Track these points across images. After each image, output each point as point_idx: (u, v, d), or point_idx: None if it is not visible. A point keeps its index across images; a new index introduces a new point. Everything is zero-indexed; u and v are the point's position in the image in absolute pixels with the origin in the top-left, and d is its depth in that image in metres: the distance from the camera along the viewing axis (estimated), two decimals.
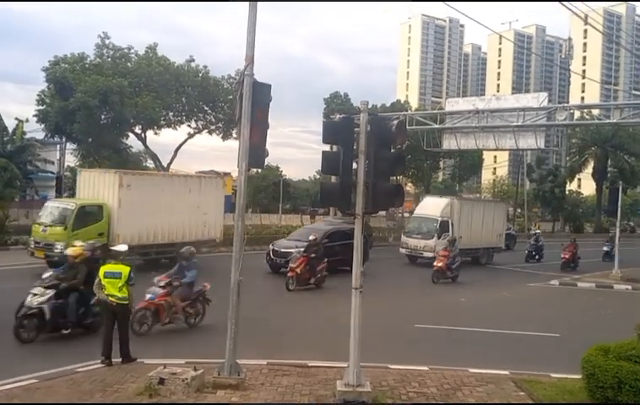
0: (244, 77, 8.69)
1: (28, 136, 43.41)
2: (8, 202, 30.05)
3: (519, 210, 68.42)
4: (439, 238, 27.56)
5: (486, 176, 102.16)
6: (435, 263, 23.16)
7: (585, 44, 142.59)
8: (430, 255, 27.00)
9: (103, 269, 9.89)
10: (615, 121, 33.11)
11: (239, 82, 8.98)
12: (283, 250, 22.49)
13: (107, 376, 9.04)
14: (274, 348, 11.08)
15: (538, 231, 34.59)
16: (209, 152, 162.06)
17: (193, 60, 35.49)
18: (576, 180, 71.59)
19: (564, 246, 30.42)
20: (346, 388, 8.05)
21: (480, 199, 55.20)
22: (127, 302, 9.77)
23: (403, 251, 29.27)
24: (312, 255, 19.43)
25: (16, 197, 33.56)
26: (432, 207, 29.93)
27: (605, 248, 34.15)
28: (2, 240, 27.86)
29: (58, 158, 51.75)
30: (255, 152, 8.79)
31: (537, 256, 32.22)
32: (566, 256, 29.41)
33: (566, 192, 65.73)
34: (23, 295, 11.30)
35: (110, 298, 9.68)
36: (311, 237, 20.70)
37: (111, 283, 9.72)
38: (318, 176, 74.94)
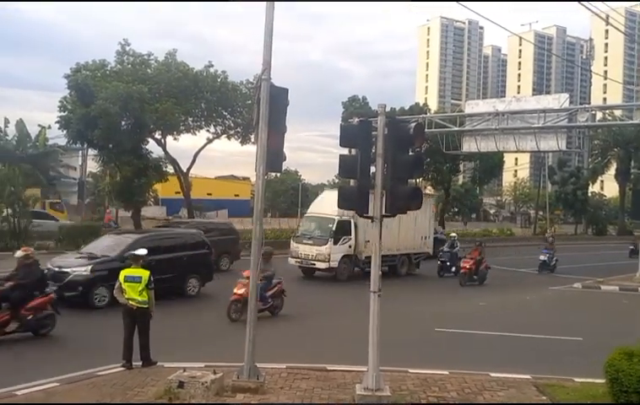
0: (261, 81, 8.71)
1: (51, 142, 44.15)
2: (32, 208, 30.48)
3: (541, 213, 67.68)
4: (336, 243, 22.54)
5: (507, 179, 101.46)
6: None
7: (607, 44, 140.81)
8: (324, 265, 22.47)
9: (123, 273, 9.98)
10: (637, 121, 32.59)
11: (256, 86, 9.01)
12: (59, 268, 15.82)
13: (127, 380, 9.11)
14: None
15: (453, 235, 27.52)
16: (228, 157, 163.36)
17: (212, 65, 35.66)
18: (598, 181, 70.63)
19: (467, 254, 24.60)
20: (365, 392, 8.01)
21: None
22: (147, 306, 9.84)
23: (292, 261, 23.37)
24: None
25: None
26: (329, 202, 22.18)
27: (542, 257, 28.13)
28: (26, 245, 28.27)
29: (80, 164, 52.57)
30: (273, 156, 8.81)
31: (453, 268, 24.81)
32: (467, 267, 23.18)
33: (589, 194, 64.94)
34: None
35: (130, 302, 9.76)
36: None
37: (132, 286, 9.80)
38: (337, 180, 74.92)
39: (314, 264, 22.65)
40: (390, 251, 23.65)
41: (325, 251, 22.30)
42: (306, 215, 26.08)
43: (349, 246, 22.68)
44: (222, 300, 17.13)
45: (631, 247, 32.69)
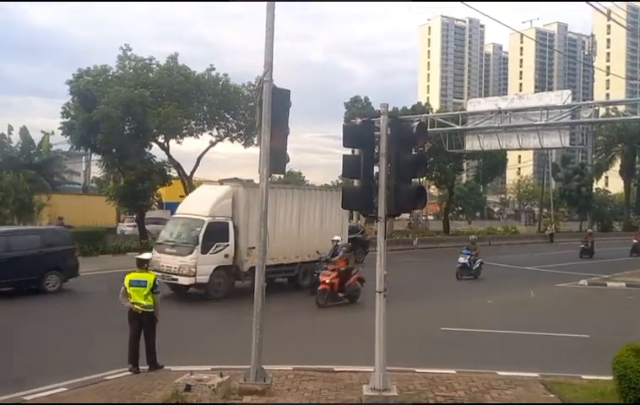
0: (263, 83, 8.72)
1: (54, 148, 44.34)
2: (36, 215, 30.58)
3: (545, 210, 67.53)
4: (206, 251, 17.30)
5: (511, 177, 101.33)
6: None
7: (609, 40, 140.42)
8: (188, 281, 17.17)
9: (128, 277, 9.98)
10: None
11: (258, 88, 9.01)
12: None
13: (134, 384, 9.11)
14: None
15: (336, 238, 19.21)
16: (232, 159, 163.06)
17: (214, 68, 35.73)
18: (603, 178, 70.51)
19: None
20: (372, 393, 8.00)
21: (296, 185, 34.19)
22: (152, 310, 9.84)
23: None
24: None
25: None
26: (202, 200, 18.92)
27: (462, 259, 24.21)
28: None
29: (84, 169, 52.76)
30: (276, 157, 8.81)
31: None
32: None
33: (594, 191, 64.76)
34: None
35: (135, 306, 9.76)
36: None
37: (137, 291, 9.81)
38: (341, 181, 74.88)
39: (176, 279, 17.24)
40: (287, 258, 19.19)
41: (189, 261, 17.01)
42: (173, 216, 20.78)
43: (226, 255, 17.78)
44: (225, 304, 17.20)
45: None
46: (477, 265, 24.12)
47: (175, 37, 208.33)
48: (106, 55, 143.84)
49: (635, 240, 36.50)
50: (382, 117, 8.39)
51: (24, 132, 43.99)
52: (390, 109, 8.68)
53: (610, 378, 8.10)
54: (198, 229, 17.47)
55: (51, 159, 44.07)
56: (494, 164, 51.81)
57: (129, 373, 9.64)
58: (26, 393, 8.62)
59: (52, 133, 41.83)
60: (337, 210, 20.53)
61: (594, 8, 21.72)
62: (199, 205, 18.47)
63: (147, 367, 9.84)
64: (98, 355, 10.84)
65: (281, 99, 8.87)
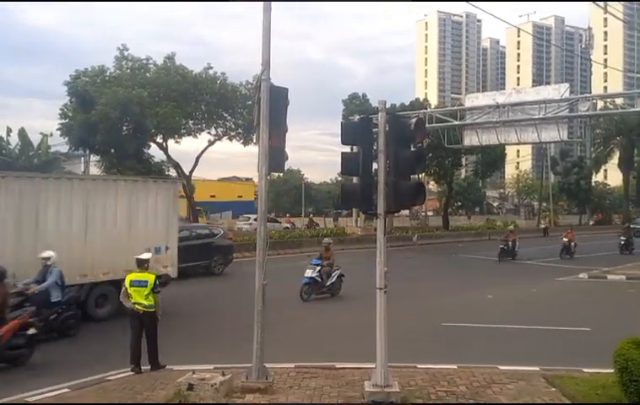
0: (261, 81, 8.72)
1: (53, 149, 44.22)
2: None
3: (545, 204, 67.56)
4: None
5: (510, 171, 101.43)
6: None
7: (606, 32, 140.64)
8: None
9: (129, 278, 9.99)
10: (639, 109, 32.45)
11: (256, 87, 9.01)
12: None
13: (137, 384, 9.13)
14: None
15: (47, 255, 12.26)
16: (230, 158, 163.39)
17: (211, 67, 35.74)
18: (602, 171, 70.56)
19: None
20: (374, 389, 8.01)
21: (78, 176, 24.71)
22: (153, 310, 9.85)
23: None
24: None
25: None
26: None
27: (310, 274, 17.60)
28: None
29: (83, 170, 52.65)
30: (275, 156, 8.82)
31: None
32: None
33: (593, 184, 64.82)
34: None
35: (136, 306, 9.77)
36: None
37: (138, 291, 9.82)
38: (340, 178, 74.95)
39: None
40: (73, 279, 13.37)
41: None
42: None
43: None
44: (228, 302, 17.24)
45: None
46: (333, 279, 17.95)
47: (172, 37, 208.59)
48: (104, 55, 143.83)
49: (565, 239, 31.61)
50: (380, 114, 8.40)
51: (22, 133, 43.85)
52: (388, 105, 8.71)
53: (611, 371, 8.11)
54: None
55: (50, 161, 43.86)
56: (492, 158, 51.86)
57: (131, 373, 9.65)
58: (28, 394, 8.63)
59: (51, 135, 41.69)
60: (161, 209, 15.67)
61: (591, 0, 21.66)
62: None
63: (149, 367, 9.85)
64: None
65: (279, 98, 8.87)
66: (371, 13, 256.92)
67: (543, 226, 53.37)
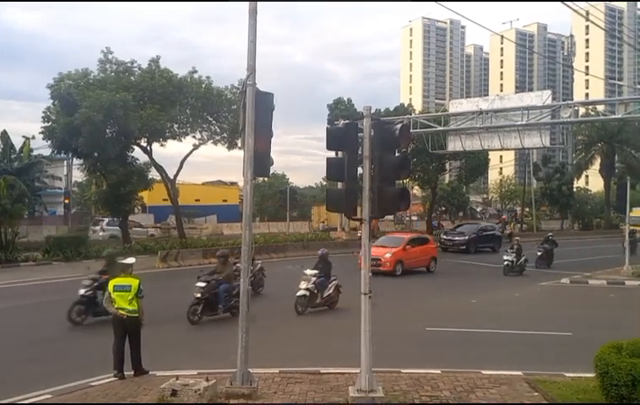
0: (247, 86, 8.72)
1: (35, 153, 43.80)
2: (17, 219, 30.23)
3: (527, 209, 68.10)
4: None
5: (493, 177, 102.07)
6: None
7: (587, 40, 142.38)
8: None
9: (112, 283, 9.91)
10: (620, 116, 32.88)
11: (242, 92, 9.01)
12: None
13: (120, 390, 9.06)
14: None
15: None
16: (215, 162, 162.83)
17: (196, 71, 35.54)
18: (583, 176, 71.44)
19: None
20: (359, 394, 8.03)
21: None
22: (137, 315, 9.77)
23: None
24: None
25: (25, 214, 33.74)
26: None
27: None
28: (12, 257, 28.04)
29: (65, 174, 52.21)
30: (260, 160, 8.80)
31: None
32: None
33: (574, 190, 65.50)
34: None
35: (120, 311, 9.69)
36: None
37: (121, 296, 9.74)
38: (325, 183, 74.93)
39: None
40: None
41: None
42: None
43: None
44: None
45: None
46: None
47: (157, 40, 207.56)
48: (87, 58, 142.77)
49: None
50: (365, 119, 8.43)
51: (4, 136, 43.43)
52: (372, 110, 8.72)
53: (593, 375, 8.22)
54: None
55: (32, 164, 43.50)
56: (476, 164, 52.15)
57: (114, 379, 9.57)
58: (9, 401, 8.52)
59: (33, 138, 41.36)
60: None
61: (573, 9, 21.95)
62: None
63: (132, 372, 9.78)
64: None
65: (265, 103, 8.86)
66: (355, 17, 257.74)
67: (508, 232, 53.83)
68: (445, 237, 39.87)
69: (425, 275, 26.23)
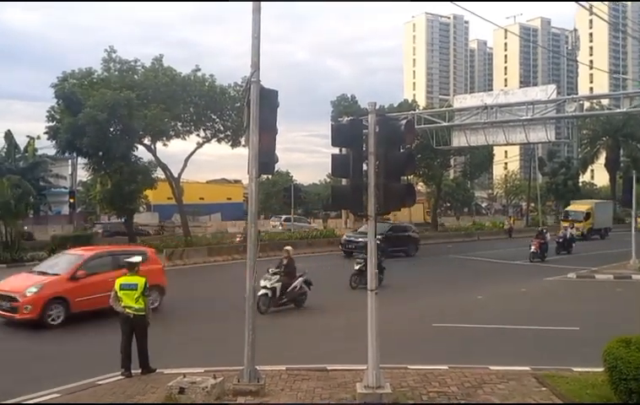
0: (251, 83, 8.69)
1: (40, 152, 43.90)
2: (22, 219, 30.32)
3: (532, 204, 67.95)
4: None
5: (498, 172, 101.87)
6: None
7: (591, 34, 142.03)
8: None
9: (119, 281, 9.91)
10: (625, 110, 32.74)
11: (246, 89, 8.98)
12: None
13: (128, 388, 9.07)
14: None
15: None
16: (219, 160, 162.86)
17: (199, 69, 35.53)
18: (589, 171, 71.15)
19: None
20: (366, 390, 8.01)
21: None
22: (144, 313, 9.77)
23: None
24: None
25: (30, 213, 33.86)
26: None
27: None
28: (18, 256, 28.13)
29: (70, 173, 52.30)
30: (265, 158, 8.79)
31: None
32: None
33: (580, 184, 65.33)
34: None
35: (127, 310, 9.70)
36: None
37: (128, 294, 9.74)
38: (329, 180, 74.86)
39: None
40: None
41: None
42: None
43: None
44: (216, 305, 17.19)
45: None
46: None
47: (159, 39, 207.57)
48: (91, 58, 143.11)
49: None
50: (370, 115, 8.40)
51: (9, 136, 43.55)
52: (377, 107, 8.69)
53: (601, 370, 8.18)
54: None
55: (37, 164, 43.63)
56: (481, 159, 52.11)
57: (122, 377, 9.58)
58: (17, 401, 8.54)
59: (38, 138, 41.39)
60: None
61: (577, 2, 21.85)
62: None
63: (139, 370, 9.79)
64: None
65: (269, 100, 8.84)
66: (357, 14, 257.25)
67: (507, 227, 53.69)
68: (346, 238, 33.20)
69: None
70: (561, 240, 34.52)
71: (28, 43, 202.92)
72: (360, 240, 29.24)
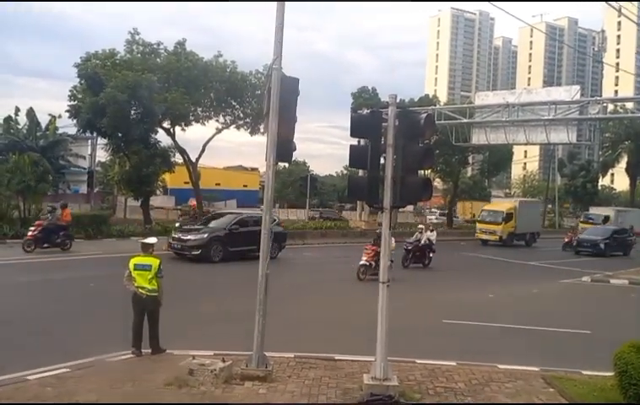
0: (272, 71, 8.70)
1: (60, 131, 44.41)
2: (40, 197, 30.67)
3: (550, 206, 67.37)
4: None
5: (516, 171, 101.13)
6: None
7: (619, 36, 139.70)
8: None
9: (133, 261, 10.00)
10: None
11: (267, 76, 9.00)
12: None
13: (137, 367, 9.18)
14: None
15: None
16: (237, 147, 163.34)
17: (221, 55, 35.66)
18: (609, 175, 70.28)
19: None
20: (373, 382, 8.02)
21: None
22: (156, 294, 9.86)
23: None
24: None
25: (48, 191, 34.28)
26: None
27: None
28: None
29: (90, 153, 52.90)
30: (283, 146, 8.80)
31: None
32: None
33: (599, 188, 64.59)
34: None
35: (140, 290, 9.79)
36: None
37: (141, 275, 9.83)
38: (345, 171, 74.80)
39: None
40: None
41: None
42: None
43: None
44: (232, 288, 17.31)
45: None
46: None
47: (183, 23, 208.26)
48: (114, 39, 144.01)
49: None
50: (390, 108, 8.37)
51: (30, 114, 44.10)
52: (397, 101, 8.66)
53: (610, 374, 8.13)
54: None
55: (57, 142, 44.15)
56: (499, 158, 51.70)
57: (132, 355, 9.70)
58: (28, 373, 8.68)
59: (60, 116, 41.87)
60: None
61: (606, 2, 21.48)
62: None
63: (149, 350, 9.90)
64: None
65: (290, 88, 8.82)
66: (381, 7, 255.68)
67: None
68: (175, 236, 24.18)
69: None
70: (409, 247, 24.81)
71: (56, 22, 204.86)
72: (190, 239, 23.38)
